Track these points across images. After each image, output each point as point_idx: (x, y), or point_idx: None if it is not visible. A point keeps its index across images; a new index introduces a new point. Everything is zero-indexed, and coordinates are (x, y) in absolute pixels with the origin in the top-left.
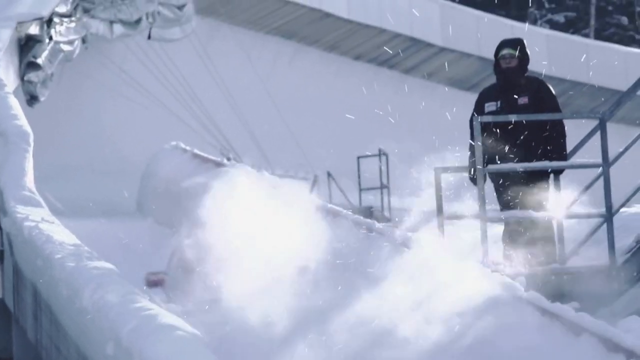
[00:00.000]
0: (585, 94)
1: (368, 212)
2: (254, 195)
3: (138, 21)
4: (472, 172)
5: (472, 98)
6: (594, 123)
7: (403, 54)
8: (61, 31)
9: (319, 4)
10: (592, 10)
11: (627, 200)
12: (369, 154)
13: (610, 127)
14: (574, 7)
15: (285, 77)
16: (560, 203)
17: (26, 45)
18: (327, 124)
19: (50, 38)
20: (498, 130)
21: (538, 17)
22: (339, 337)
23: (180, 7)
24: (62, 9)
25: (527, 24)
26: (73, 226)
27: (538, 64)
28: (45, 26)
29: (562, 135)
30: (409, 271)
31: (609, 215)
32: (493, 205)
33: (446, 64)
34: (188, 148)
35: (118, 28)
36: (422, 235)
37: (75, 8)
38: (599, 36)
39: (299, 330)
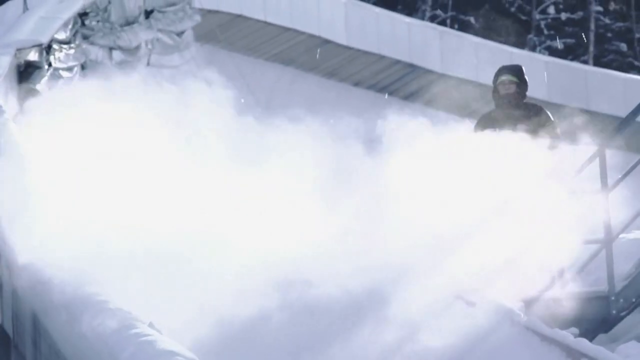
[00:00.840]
0: (584, 120)
1: None
2: None
3: (137, 48)
4: None
5: (470, 124)
6: (592, 149)
7: (402, 81)
8: (60, 58)
9: (318, 31)
10: (591, 37)
11: (626, 226)
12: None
13: (609, 153)
14: (573, 33)
15: (284, 103)
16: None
17: (25, 72)
18: (326, 150)
19: (50, 64)
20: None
21: (537, 43)
22: None
23: (180, 34)
24: (62, 36)
25: (526, 50)
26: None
27: (537, 91)
28: (44, 53)
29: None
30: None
31: (608, 241)
32: None
33: (445, 90)
34: None
35: (117, 54)
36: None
37: (74, 35)
38: (597, 63)
39: None
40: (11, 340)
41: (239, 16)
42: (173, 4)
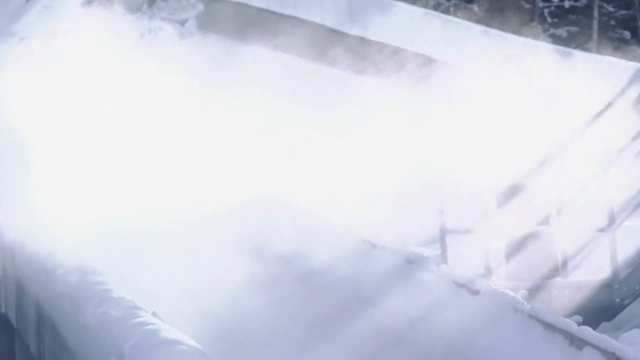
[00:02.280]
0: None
1: None
2: None
3: (140, 37)
4: None
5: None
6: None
7: (405, 69)
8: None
9: (322, 20)
10: (595, 25)
11: (630, 214)
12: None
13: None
14: (577, 21)
15: (290, 93)
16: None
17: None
18: (337, 139)
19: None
20: None
21: (541, 31)
22: None
23: (183, 23)
24: (65, 25)
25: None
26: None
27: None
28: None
29: None
30: (412, 285)
31: (611, 229)
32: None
33: (448, 78)
34: None
35: None
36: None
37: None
38: (601, 50)
39: None
40: (15, 329)
41: (242, 4)
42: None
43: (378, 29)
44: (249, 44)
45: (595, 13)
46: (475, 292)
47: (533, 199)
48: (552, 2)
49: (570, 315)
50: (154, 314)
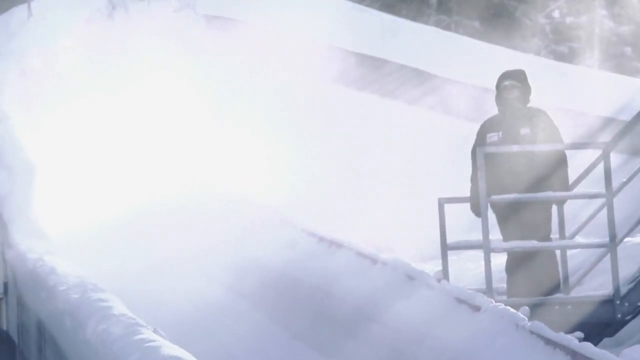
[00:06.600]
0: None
1: None
2: None
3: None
4: (474, 203)
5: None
6: (597, 153)
7: (407, 86)
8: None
9: (321, 36)
10: (596, 41)
11: (631, 229)
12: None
13: (614, 157)
14: (578, 37)
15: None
16: (563, 233)
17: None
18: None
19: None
20: (500, 161)
21: (542, 47)
22: None
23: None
24: (67, 43)
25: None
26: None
27: (541, 95)
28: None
29: (564, 164)
30: (413, 301)
31: (612, 245)
32: (497, 235)
33: (449, 94)
34: None
35: None
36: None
37: (79, 41)
38: (602, 66)
39: None
40: (16, 346)
41: (242, 22)
42: (178, 10)
43: (379, 45)
44: (251, 60)
45: (597, 29)
46: (477, 309)
47: (534, 215)
48: (553, 18)
49: (571, 331)
50: (155, 330)
